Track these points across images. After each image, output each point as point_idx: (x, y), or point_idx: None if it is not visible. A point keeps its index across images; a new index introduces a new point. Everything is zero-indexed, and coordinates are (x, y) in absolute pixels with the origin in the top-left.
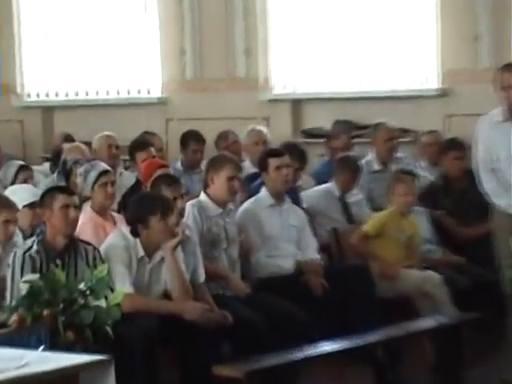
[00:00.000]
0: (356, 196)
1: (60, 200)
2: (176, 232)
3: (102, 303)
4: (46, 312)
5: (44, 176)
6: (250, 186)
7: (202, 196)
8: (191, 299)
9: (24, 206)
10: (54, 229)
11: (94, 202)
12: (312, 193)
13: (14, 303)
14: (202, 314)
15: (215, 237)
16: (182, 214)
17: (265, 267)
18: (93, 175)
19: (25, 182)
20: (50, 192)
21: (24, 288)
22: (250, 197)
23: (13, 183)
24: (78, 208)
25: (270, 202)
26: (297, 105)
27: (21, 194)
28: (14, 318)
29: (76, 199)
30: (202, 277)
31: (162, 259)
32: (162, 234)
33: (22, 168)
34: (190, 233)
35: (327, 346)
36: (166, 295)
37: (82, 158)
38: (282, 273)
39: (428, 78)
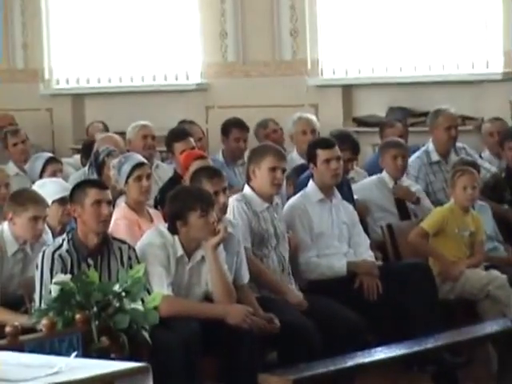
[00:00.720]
0: (412, 187)
1: (92, 195)
2: (218, 229)
3: (139, 306)
4: (78, 316)
5: (74, 169)
6: (297, 179)
7: (247, 189)
8: (234, 302)
9: (53, 202)
10: (86, 226)
11: (128, 196)
12: (363, 185)
13: (43, 306)
14: (245, 316)
15: (264, 233)
16: (224, 210)
17: (315, 268)
18: (127, 168)
19: (53, 175)
20: (80, 186)
21: (54, 290)
22: (298, 191)
23: (40, 177)
24: (111, 204)
25: (319, 197)
26: (348, 90)
27: (50, 189)
28: (44, 322)
29: (109, 194)
30: (245, 278)
31: (203, 258)
32: (202, 232)
33: (49, 160)
34: (232, 230)
35: (383, 353)
36: (207, 297)
37: (116, 150)
38: (333, 274)
39: (491, 61)
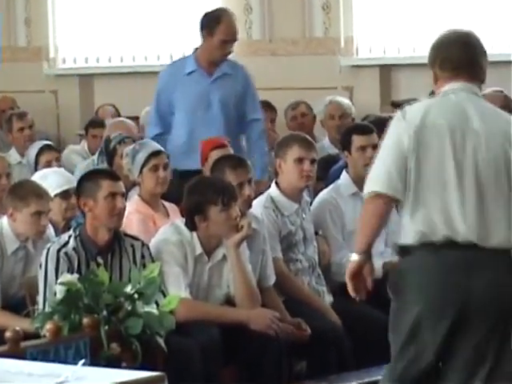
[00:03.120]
0: None
1: (105, 187)
2: (241, 225)
3: (153, 310)
4: (86, 320)
5: (82, 157)
6: (325, 171)
7: (273, 191)
8: (259, 305)
9: (56, 195)
10: (97, 221)
11: (142, 188)
12: None
13: (47, 309)
14: (271, 322)
15: (292, 238)
16: (248, 203)
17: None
18: (142, 156)
19: (48, 165)
20: (91, 177)
21: (60, 291)
22: (330, 183)
23: (35, 168)
24: (125, 196)
25: (352, 191)
26: (386, 71)
27: (52, 181)
28: (49, 326)
29: (122, 186)
30: (271, 279)
31: (224, 257)
32: (223, 228)
33: (44, 148)
34: (257, 226)
35: None
36: (229, 301)
37: (129, 136)
38: None
39: None
